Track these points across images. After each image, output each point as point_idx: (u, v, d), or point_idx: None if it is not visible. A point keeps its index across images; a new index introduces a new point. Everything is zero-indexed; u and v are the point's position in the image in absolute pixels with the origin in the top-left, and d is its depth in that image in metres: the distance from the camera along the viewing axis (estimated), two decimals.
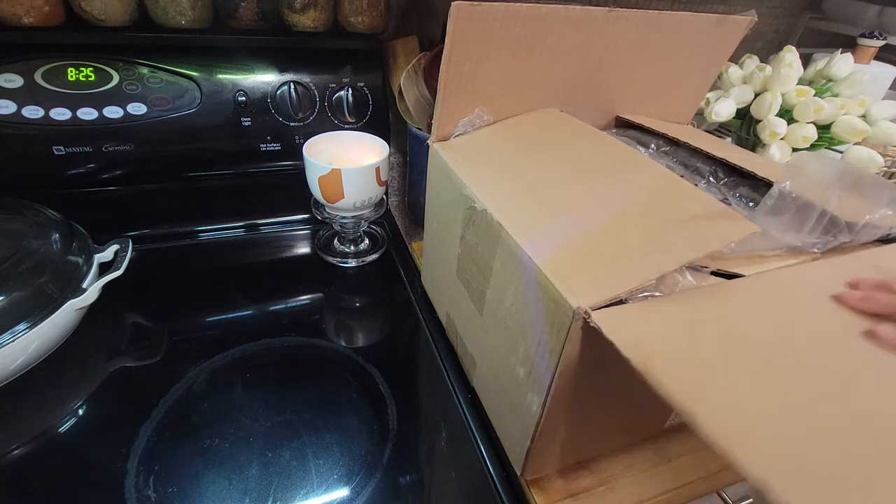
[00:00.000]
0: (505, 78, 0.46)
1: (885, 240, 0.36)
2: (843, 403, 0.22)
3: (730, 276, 0.33)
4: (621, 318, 0.26)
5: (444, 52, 0.42)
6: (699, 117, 0.73)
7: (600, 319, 0.26)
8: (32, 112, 0.52)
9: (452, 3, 0.39)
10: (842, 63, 0.68)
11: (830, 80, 0.70)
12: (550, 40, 0.45)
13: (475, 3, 0.39)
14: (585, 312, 0.26)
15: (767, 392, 0.22)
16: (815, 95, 0.66)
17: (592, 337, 0.26)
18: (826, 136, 0.67)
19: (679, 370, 0.23)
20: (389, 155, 0.58)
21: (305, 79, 0.62)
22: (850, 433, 0.21)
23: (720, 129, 0.79)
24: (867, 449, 0.20)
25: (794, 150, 0.68)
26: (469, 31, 0.41)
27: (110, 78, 0.54)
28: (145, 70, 0.56)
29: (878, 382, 0.24)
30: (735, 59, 0.74)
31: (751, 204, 0.43)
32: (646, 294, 0.28)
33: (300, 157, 0.55)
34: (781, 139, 0.67)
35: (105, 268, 0.47)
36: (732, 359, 0.24)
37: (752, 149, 0.71)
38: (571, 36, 0.46)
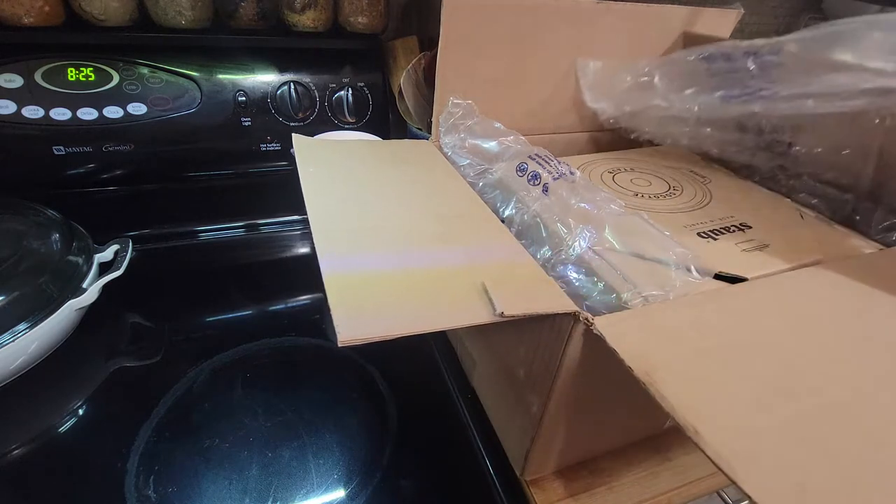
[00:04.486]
0: (501, 72, 0.47)
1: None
2: (849, 419, 0.22)
3: (733, 279, 0.33)
4: (624, 325, 0.26)
5: (439, 47, 0.42)
6: None
7: (603, 327, 0.26)
8: (32, 112, 0.52)
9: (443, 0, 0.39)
10: None
11: None
12: (543, 33, 0.46)
13: None
14: (587, 319, 0.26)
15: (771, 408, 0.22)
16: None
17: (593, 340, 0.26)
18: None
19: (682, 383, 0.23)
20: None
21: (305, 79, 0.62)
22: (856, 452, 0.21)
23: None
24: (870, 470, 0.20)
25: None
26: (462, 26, 0.41)
27: (110, 78, 0.54)
28: (145, 70, 0.56)
29: (886, 394, 0.24)
30: None
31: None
32: (646, 295, 0.28)
33: None
34: None
35: (105, 268, 0.47)
36: (736, 371, 0.24)
37: None
38: (563, 29, 0.46)
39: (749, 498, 0.18)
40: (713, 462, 0.20)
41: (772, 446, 0.20)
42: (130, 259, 0.49)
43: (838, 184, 0.44)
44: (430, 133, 0.49)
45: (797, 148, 0.44)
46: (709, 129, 0.49)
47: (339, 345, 0.23)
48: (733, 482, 0.19)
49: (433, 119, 0.47)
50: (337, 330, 0.24)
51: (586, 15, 0.47)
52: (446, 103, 0.46)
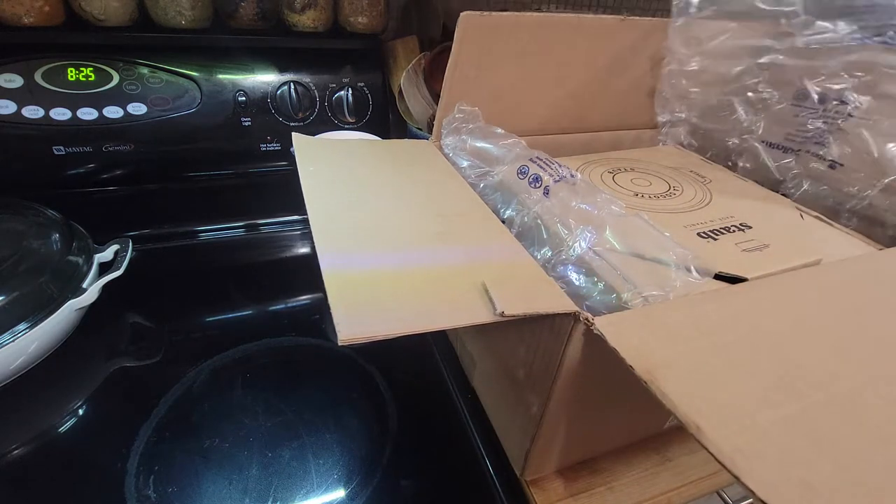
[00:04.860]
0: (511, 84, 0.46)
1: None
2: (850, 416, 0.22)
3: (733, 279, 0.33)
4: (624, 325, 0.26)
5: (449, 60, 0.42)
6: None
7: (603, 326, 0.26)
8: (32, 112, 0.52)
9: (461, 14, 0.39)
10: None
11: None
12: (559, 49, 0.45)
13: (484, 13, 0.39)
14: (587, 319, 0.26)
15: (773, 404, 0.22)
16: None
17: (593, 341, 0.26)
18: None
19: (684, 381, 0.23)
20: None
21: (305, 79, 0.62)
22: (858, 448, 0.21)
23: None
24: (875, 465, 0.20)
25: None
26: (476, 41, 0.41)
27: (110, 78, 0.54)
28: (145, 70, 0.56)
29: (887, 392, 0.24)
30: None
31: None
32: (646, 295, 0.28)
33: None
34: None
35: (105, 268, 0.47)
36: (738, 369, 0.24)
37: None
38: (580, 44, 0.46)
39: (753, 494, 0.18)
40: (716, 458, 0.19)
41: (775, 442, 0.20)
42: (130, 259, 0.49)
43: (859, 177, 0.43)
44: (430, 133, 0.49)
45: (854, 119, 0.44)
46: (765, 93, 0.49)
47: (340, 344, 0.23)
48: (737, 478, 0.19)
49: (436, 123, 0.47)
50: (337, 329, 0.24)
51: (608, 31, 0.46)
52: (452, 110, 0.46)
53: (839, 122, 0.45)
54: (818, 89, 0.46)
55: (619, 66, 0.50)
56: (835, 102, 0.45)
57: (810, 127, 0.46)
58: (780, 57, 0.47)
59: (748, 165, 0.52)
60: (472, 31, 0.40)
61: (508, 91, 0.47)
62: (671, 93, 0.54)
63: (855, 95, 0.43)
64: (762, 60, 0.49)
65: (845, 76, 0.44)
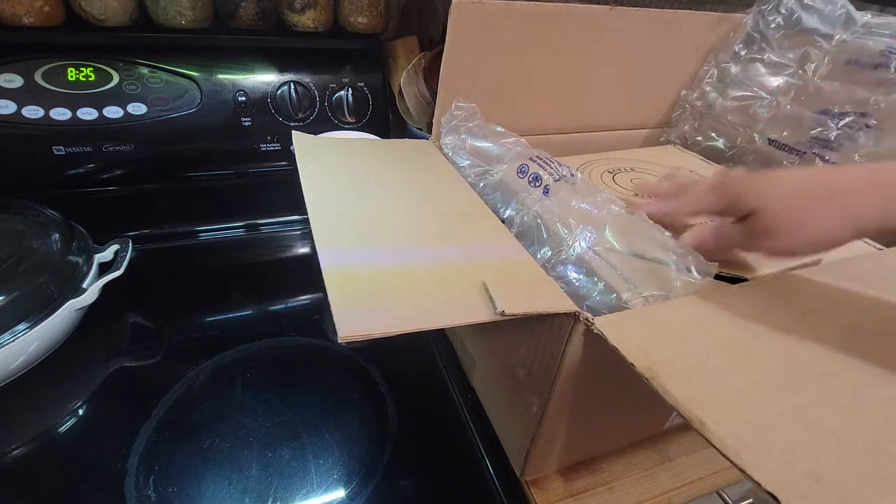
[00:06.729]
0: (505, 75, 0.47)
1: None
2: (853, 409, 0.22)
3: (733, 279, 0.33)
4: (624, 324, 0.26)
5: (444, 51, 0.42)
6: None
7: (603, 326, 0.26)
8: (32, 112, 0.52)
9: (453, 2, 0.39)
10: None
11: None
12: (552, 38, 0.46)
13: (476, 1, 0.39)
14: (587, 319, 0.26)
15: (776, 399, 0.22)
16: None
17: (593, 340, 0.26)
18: None
19: (685, 378, 0.23)
20: None
21: (305, 79, 0.62)
22: (862, 440, 0.21)
23: None
24: (880, 456, 0.20)
25: None
26: (469, 30, 0.41)
27: (110, 78, 0.54)
28: (145, 70, 0.56)
29: (888, 386, 0.24)
30: None
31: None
32: (646, 295, 0.28)
33: None
34: None
35: (105, 268, 0.47)
36: (739, 366, 0.24)
37: None
38: (572, 34, 0.46)
39: (759, 486, 0.18)
40: (720, 452, 0.19)
41: (780, 435, 0.20)
42: (130, 259, 0.49)
43: None
44: (430, 133, 0.49)
45: (869, 131, 0.45)
46: (789, 107, 0.50)
47: (339, 341, 0.23)
48: (742, 471, 0.19)
49: (434, 120, 0.47)
50: (337, 326, 0.24)
51: (597, 20, 0.47)
52: (449, 106, 0.46)
53: (858, 134, 0.45)
54: (846, 108, 0.47)
55: (610, 58, 0.50)
56: (854, 115, 0.46)
57: (826, 135, 0.47)
58: (822, 84, 0.48)
59: (749, 165, 0.52)
60: (464, 19, 0.40)
61: (504, 85, 0.47)
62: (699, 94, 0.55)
63: (870, 116, 0.44)
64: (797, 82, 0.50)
65: (871, 99, 0.45)
